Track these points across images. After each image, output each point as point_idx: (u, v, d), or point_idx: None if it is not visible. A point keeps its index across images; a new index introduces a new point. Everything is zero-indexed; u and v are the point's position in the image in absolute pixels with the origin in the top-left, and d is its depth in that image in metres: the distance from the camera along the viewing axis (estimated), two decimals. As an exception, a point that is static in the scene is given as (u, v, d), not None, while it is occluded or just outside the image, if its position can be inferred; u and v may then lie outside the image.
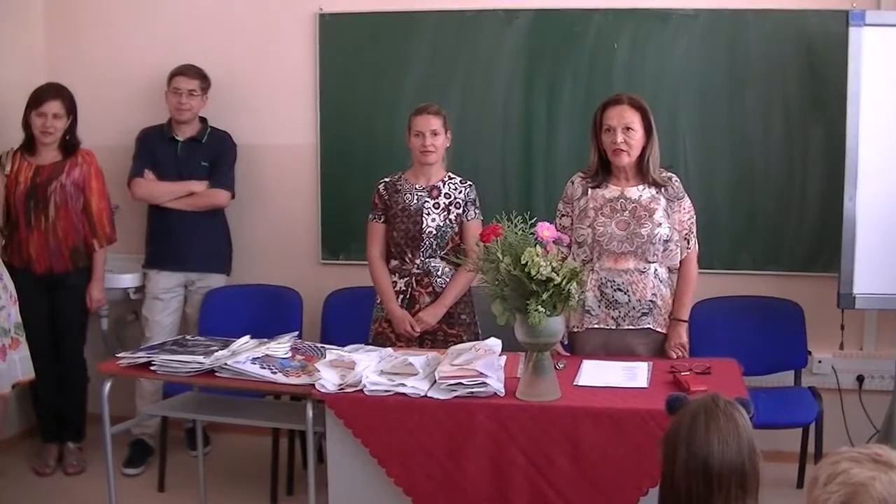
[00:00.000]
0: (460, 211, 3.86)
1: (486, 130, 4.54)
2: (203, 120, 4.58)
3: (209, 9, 4.76)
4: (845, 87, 3.89)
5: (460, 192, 3.87)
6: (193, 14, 4.77)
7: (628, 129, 3.46)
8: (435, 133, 3.80)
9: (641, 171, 3.53)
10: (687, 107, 4.38)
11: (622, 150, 3.46)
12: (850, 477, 1.55)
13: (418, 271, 3.83)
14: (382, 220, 3.89)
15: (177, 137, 4.52)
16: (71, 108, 4.28)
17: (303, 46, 4.68)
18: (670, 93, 4.37)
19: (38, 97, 4.23)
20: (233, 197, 4.58)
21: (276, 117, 4.76)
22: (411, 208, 3.83)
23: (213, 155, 4.53)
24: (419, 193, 3.86)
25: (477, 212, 3.89)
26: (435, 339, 3.81)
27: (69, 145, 4.31)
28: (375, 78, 4.61)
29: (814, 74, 4.27)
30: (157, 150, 4.52)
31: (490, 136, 4.54)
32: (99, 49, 4.87)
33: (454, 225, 3.85)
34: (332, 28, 4.64)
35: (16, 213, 4.22)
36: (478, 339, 3.56)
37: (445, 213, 3.84)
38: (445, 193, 3.86)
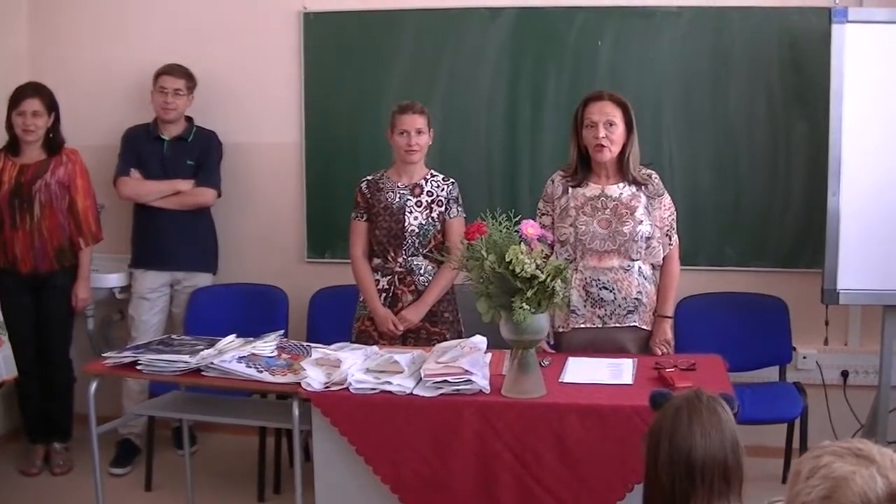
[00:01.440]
0: (443, 209, 3.84)
1: (471, 128, 4.54)
2: (189, 119, 4.57)
3: (194, 8, 4.75)
4: (828, 84, 3.88)
5: (443, 189, 3.86)
6: (178, 13, 4.76)
7: (610, 124, 3.46)
8: (420, 132, 3.79)
9: (621, 169, 3.54)
10: (671, 104, 4.39)
11: (603, 146, 3.47)
12: (831, 471, 1.55)
13: (401, 270, 3.81)
14: (365, 218, 3.87)
15: (163, 136, 4.51)
16: (51, 106, 4.26)
17: (287, 45, 4.67)
18: (654, 90, 4.38)
19: (18, 96, 4.21)
20: (219, 195, 4.57)
21: (262, 116, 4.75)
22: (394, 206, 3.82)
23: (199, 154, 4.53)
24: (401, 191, 3.85)
25: (459, 209, 3.88)
26: (418, 337, 3.79)
27: (53, 144, 4.29)
28: (360, 76, 4.60)
29: (797, 71, 4.28)
30: (143, 149, 4.51)
31: (474, 133, 4.54)
32: (84, 49, 4.85)
33: (437, 223, 3.83)
34: (317, 26, 4.63)
35: (0, 213, 4.21)
36: (461, 337, 3.57)
37: (428, 210, 3.83)
38: (428, 191, 3.85)
